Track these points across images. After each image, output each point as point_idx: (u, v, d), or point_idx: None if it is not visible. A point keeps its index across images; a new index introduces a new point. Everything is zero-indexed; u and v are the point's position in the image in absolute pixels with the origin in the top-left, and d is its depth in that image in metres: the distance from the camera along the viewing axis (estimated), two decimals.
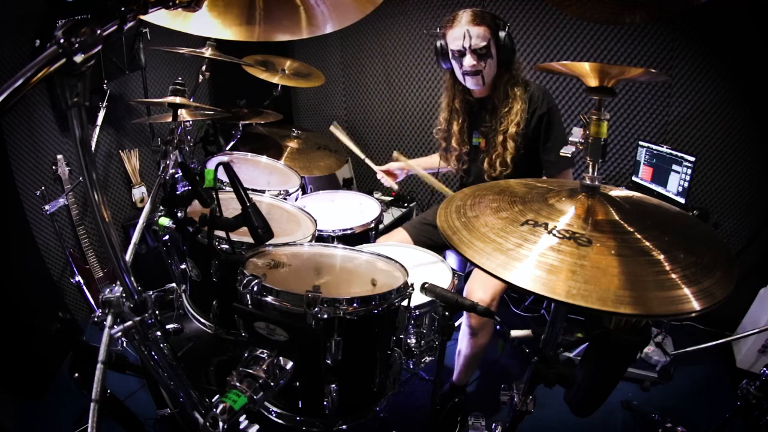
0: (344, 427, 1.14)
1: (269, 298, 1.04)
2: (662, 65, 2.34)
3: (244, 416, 0.89)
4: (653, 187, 2.24)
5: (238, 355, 1.08)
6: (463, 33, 1.60)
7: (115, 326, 0.74)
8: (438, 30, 1.72)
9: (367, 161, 2.15)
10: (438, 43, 1.72)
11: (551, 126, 1.71)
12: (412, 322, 1.42)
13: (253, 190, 1.64)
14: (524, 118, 1.70)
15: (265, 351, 0.99)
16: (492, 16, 1.64)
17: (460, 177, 2.08)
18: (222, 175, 1.06)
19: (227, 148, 2.32)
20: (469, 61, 1.64)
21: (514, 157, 1.73)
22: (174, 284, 0.95)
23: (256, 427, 0.91)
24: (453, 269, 1.56)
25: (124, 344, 0.81)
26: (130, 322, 0.74)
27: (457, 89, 1.83)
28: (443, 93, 1.92)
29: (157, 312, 0.78)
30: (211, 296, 1.31)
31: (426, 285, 1.12)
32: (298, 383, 1.08)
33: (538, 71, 2.50)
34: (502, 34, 1.62)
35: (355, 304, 1.04)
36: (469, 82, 1.71)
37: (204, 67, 1.91)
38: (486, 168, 1.79)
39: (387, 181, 2.06)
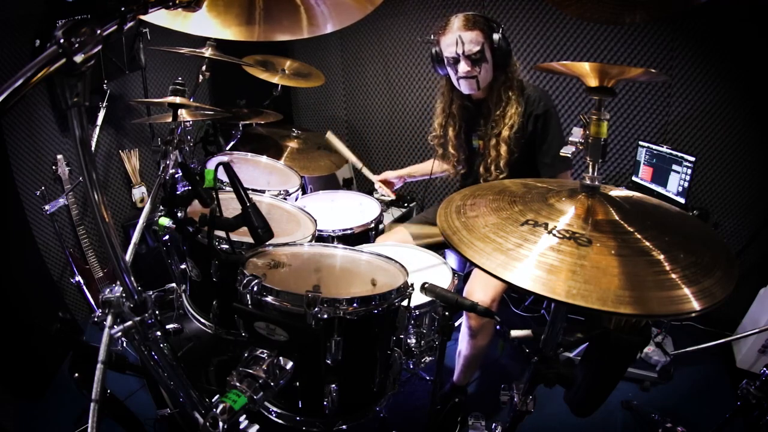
0: (344, 427, 1.14)
1: (269, 298, 1.04)
2: (662, 65, 2.34)
3: (244, 416, 0.89)
4: (653, 187, 2.24)
5: (238, 355, 1.08)
6: (456, 39, 1.58)
7: (115, 326, 0.74)
8: (432, 37, 1.70)
9: (365, 170, 2.16)
10: (433, 50, 1.70)
11: (547, 128, 1.69)
12: (412, 322, 1.42)
13: (253, 190, 1.64)
14: (519, 121, 1.67)
15: (265, 351, 0.99)
16: (485, 19, 1.60)
17: (459, 181, 2.08)
18: (222, 175, 1.06)
19: (227, 148, 2.32)
20: (463, 67, 1.62)
21: (508, 161, 1.70)
22: (174, 284, 0.95)
23: (256, 427, 0.91)
24: (453, 269, 1.56)
25: (124, 344, 0.81)
26: (130, 322, 0.74)
27: (455, 94, 1.81)
28: (438, 98, 1.90)
29: (157, 312, 0.78)
30: (211, 296, 1.30)
31: (426, 285, 1.12)
32: (298, 383, 1.08)
33: (537, 71, 2.50)
34: (496, 36, 1.60)
35: (355, 304, 1.04)
36: (464, 86, 1.69)
37: (204, 67, 1.91)
38: (482, 172, 1.78)
39: (384, 191, 2.11)
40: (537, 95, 1.69)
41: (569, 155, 0.87)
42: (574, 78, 1.01)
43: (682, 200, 2.08)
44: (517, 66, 1.71)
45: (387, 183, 2.14)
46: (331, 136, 2.33)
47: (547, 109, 1.68)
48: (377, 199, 2.09)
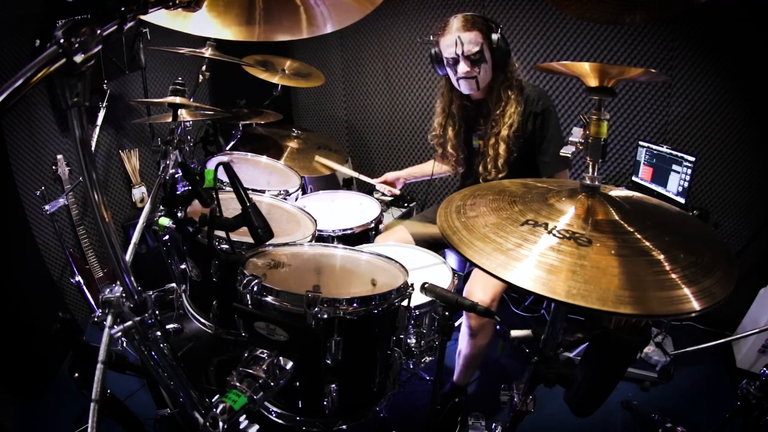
0: (344, 427, 1.14)
1: (269, 298, 1.04)
2: (662, 65, 2.34)
3: (244, 416, 0.89)
4: (653, 187, 2.24)
5: (238, 355, 1.08)
6: (455, 40, 1.59)
7: (115, 326, 0.74)
8: (431, 37, 1.71)
9: (363, 177, 2.16)
10: (433, 51, 1.71)
11: (545, 126, 1.70)
12: (412, 322, 1.42)
13: (253, 190, 1.64)
14: (519, 120, 1.68)
15: (265, 351, 0.99)
16: (483, 19, 1.61)
17: (459, 180, 2.08)
18: (222, 175, 1.06)
19: (227, 148, 2.32)
20: (463, 67, 1.63)
21: (507, 160, 1.71)
22: (174, 284, 0.95)
23: (256, 427, 0.91)
24: (453, 269, 1.56)
25: (124, 344, 0.81)
26: (130, 322, 0.74)
27: (454, 94, 1.82)
28: (438, 98, 1.91)
29: (157, 312, 0.78)
30: (211, 296, 1.31)
31: (426, 285, 1.12)
32: (298, 383, 1.08)
33: (537, 71, 2.50)
34: (495, 37, 1.60)
35: (355, 304, 1.04)
36: (464, 87, 1.70)
37: (204, 67, 1.91)
38: (481, 171, 1.79)
39: (387, 189, 2.11)
40: (536, 94, 1.70)
41: (569, 155, 0.87)
42: (574, 78, 1.01)
43: (682, 200, 2.08)
44: (516, 66, 1.72)
45: (388, 183, 2.14)
46: (319, 159, 2.32)
47: (546, 108, 1.69)
48: (377, 199, 2.09)
